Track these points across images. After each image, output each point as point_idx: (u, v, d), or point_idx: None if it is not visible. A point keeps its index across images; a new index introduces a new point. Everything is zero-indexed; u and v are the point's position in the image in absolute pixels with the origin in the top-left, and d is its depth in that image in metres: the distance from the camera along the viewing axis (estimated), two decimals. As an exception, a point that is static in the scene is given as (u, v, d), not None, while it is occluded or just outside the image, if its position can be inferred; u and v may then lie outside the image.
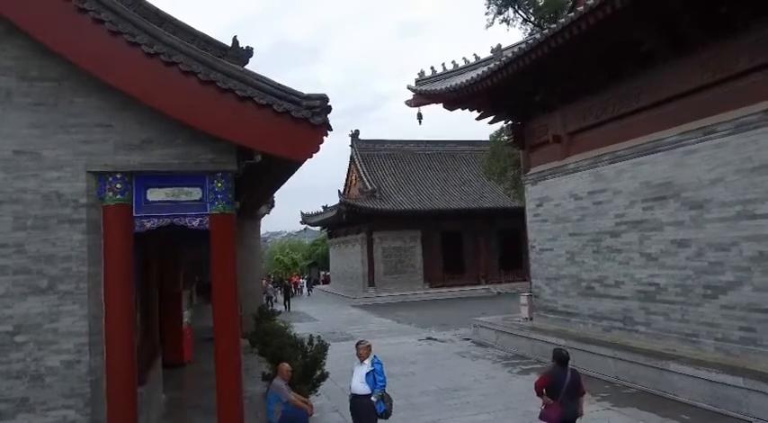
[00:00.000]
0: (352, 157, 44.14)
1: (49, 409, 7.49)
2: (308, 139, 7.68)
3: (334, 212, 39.99)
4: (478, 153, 40.56)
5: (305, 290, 50.49)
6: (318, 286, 55.23)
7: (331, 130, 7.78)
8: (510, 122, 18.72)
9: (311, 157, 7.91)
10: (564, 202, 15.68)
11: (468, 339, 19.32)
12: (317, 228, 56.91)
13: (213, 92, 7.50)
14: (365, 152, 43.05)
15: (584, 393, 8.06)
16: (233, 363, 8.16)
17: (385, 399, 8.24)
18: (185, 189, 8.08)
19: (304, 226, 57.73)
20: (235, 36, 10.33)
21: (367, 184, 39.62)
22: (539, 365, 14.51)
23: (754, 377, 9.57)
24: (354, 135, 43.94)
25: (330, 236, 52.14)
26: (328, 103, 7.78)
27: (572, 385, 7.82)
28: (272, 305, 30.21)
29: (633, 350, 12.30)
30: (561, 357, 8.10)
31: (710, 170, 11.26)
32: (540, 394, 7.98)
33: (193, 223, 8.04)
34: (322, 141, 7.76)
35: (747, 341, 10.44)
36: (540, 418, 7.95)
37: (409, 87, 19.09)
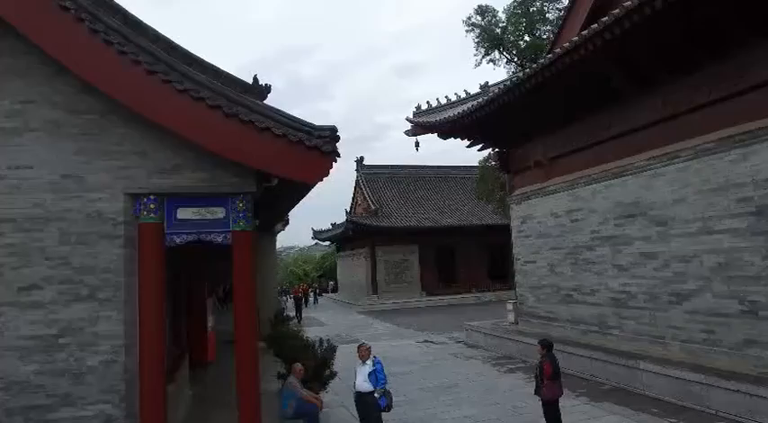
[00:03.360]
0: (357, 181, 44.20)
1: (89, 404, 7.49)
2: (318, 165, 7.75)
3: (341, 229, 39.97)
4: (469, 177, 40.58)
5: (311, 299, 47.46)
6: (327, 294, 55.03)
7: (339, 156, 7.84)
8: (497, 149, 18.82)
9: (322, 180, 7.97)
10: (545, 220, 15.71)
11: (460, 342, 19.23)
12: (327, 243, 56.77)
13: (235, 123, 7.58)
14: (369, 176, 43.13)
15: None
16: (251, 363, 8.15)
17: (386, 394, 8.22)
18: (210, 208, 8.13)
19: (315, 241, 57.59)
20: (255, 75, 10.50)
21: (371, 203, 39.66)
22: (523, 365, 14.44)
23: (715, 374, 9.54)
24: (359, 161, 44.10)
25: (338, 250, 52.03)
26: (337, 133, 7.85)
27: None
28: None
29: (607, 351, 12.25)
30: (550, 344, 8.65)
31: (674, 191, 11.30)
32: (549, 378, 8.29)
33: (218, 239, 8.08)
34: (331, 167, 7.82)
35: (709, 342, 10.41)
36: (548, 397, 8.34)
37: (407, 119, 19.21)
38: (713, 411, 9.24)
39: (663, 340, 11.45)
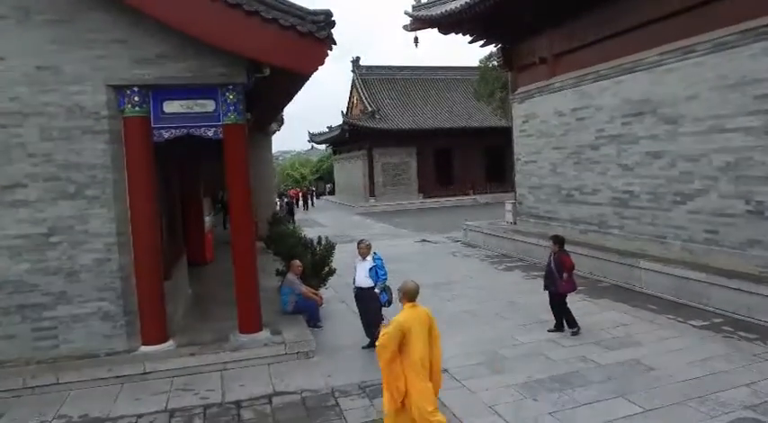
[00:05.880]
0: (353, 82, 42.87)
1: (86, 301, 7.40)
2: (313, 53, 7.15)
3: (338, 131, 39.26)
4: (468, 78, 39.30)
5: (309, 202, 45.80)
6: (325, 197, 55.23)
7: (335, 44, 7.20)
8: (500, 46, 17.83)
9: (317, 69, 7.40)
10: (549, 119, 15.11)
11: (458, 241, 19.24)
12: (323, 146, 56.17)
13: (221, 6, 6.88)
14: (365, 77, 41.72)
15: None
16: (249, 259, 7.99)
17: (387, 290, 8.11)
18: (199, 101, 7.59)
19: (311, 145, 56.90)
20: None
21: (367, 105, 38.65)
22: (521, 263, 14.47)
23: (715, 273, 9.45)
24: (355, 61, 42.49)
25: (335, 152, 51.51)
26: (332, 18, 7.17)
27: None
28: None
29: (607, 250, 12.15)
30: (563, 240, 8.72)
31: (687, 87, 10.66)
32: (569, 271, 8.41)
33: (208, 133, 7.60)
34: (326, 55, 7.22)
35: (710, 242, 10.23)
36: (565, 290, 8.49)
37: (406, 12, 18.06)
38: (711, 309, 9.21)
39: (664, 240, 11.29)
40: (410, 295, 5.19)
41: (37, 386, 6.81)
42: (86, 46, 7.27)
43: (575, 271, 8.67)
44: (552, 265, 8.50)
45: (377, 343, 5.12)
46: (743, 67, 9.56)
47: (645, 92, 11.65)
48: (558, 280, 8.40)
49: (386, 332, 5.01)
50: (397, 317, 5.07)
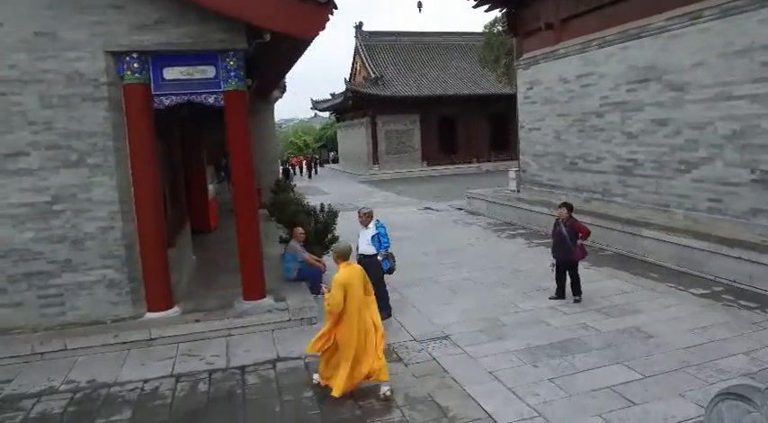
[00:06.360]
0: (356, 48, 42.20)
1: (91, 269, 7.43)
2: (314, 17, 6.98)
3: (341, 99, 38.88)
4: (473, 44, 38.64)
5: (313, 170, 44.56)
6: (328, 165, 55.04)
7: (336, 8, 7.03)
8: (505, 10, 17.45)
9: (318, 34, 7.24)
10: (553, 85, 14.87)
11: (461, 209, 19.20)
12: (326, 113, 55.66)
13: (221, -30, 6.70)
14: (369, 42, 41.05)
15: None
16: (252, 226, 7.99)
17: (390, 257, 8.13)
18: (199, 67, 7.45)
19: (314, 112, 56.38)
20: None
21: (370, 72, 38.15)
22: (524, 231, 14.46)
23: (718, 241, 9.41)
24: (358, 26, 41.75)
25: (338, 120, 51.11)
26: (333, -18, 6.98)
27: None
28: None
29: (610, 218, 12.10)
30: (572, 208, 8.69)
31: (693, 54, 10.44)
32: (584, 238, 8.45)
33: (209, 100, 7.50)
34: (328, 19, 7.04)
35: (714, 211, 10.17)
36: (581, 256, 8.48)
37: (411, -24, 17.65)
38: (711, 277, 9.21)
39: (667, 208, 11.22)
40: (344, 255, 5.70)
41: (45, 352, 6.88)
42: (84, 11, 7.13)
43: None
44: (564, 232, 8.39)
45: (327, 308, 5.50)
46: (751, 33, 9.33)
47: (650, 58, 11.43)
48: (573, 247, 8.32)
49: (331, 295, 5.41)
50: (336, 277, 5.48)
